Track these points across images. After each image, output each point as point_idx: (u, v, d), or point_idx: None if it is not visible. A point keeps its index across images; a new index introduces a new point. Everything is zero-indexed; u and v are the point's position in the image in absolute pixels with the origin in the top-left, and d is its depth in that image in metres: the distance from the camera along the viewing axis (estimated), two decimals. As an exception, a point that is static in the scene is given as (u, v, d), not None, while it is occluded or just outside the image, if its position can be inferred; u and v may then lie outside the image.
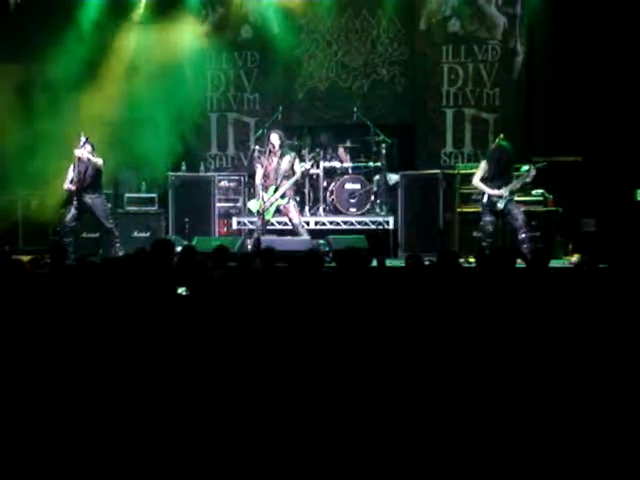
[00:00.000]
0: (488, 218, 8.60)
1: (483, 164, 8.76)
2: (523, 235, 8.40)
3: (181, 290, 4.73)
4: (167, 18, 11.04)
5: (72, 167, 9.14)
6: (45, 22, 10.44)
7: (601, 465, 2.99)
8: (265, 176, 9.02)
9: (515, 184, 8.55)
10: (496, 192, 8.50)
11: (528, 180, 8.67)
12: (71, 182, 9.11)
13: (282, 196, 8.96)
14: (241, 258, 5.92)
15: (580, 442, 3.06)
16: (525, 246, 8.27)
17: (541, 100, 10.74)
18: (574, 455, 3.02)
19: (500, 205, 8.48)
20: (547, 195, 9.57)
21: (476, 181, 8.73)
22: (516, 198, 8.72)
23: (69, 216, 9.16)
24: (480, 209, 8.81)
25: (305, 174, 9.85)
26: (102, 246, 9.57)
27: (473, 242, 9.12)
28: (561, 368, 3.43)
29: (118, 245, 9.18)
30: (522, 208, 8.70)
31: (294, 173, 9.03)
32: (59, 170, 9.33)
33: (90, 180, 9.09)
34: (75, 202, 9.09)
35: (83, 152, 8.97)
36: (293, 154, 9.12)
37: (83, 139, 9.01)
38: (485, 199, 8.62)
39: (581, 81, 10.08)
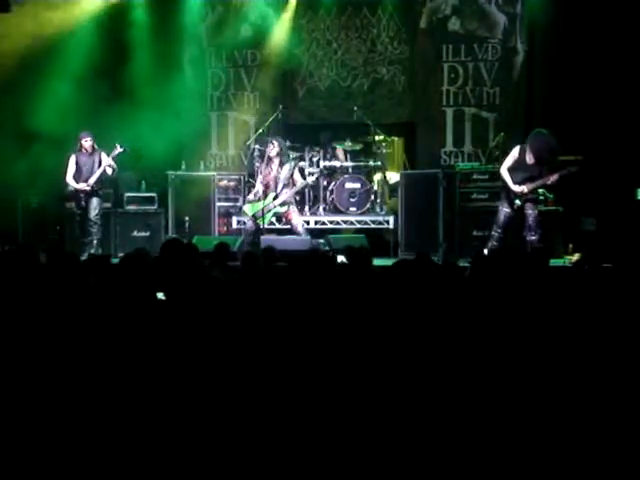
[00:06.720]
0: (505, 209, 8.41)
1: (515, 152, 8.38)
2: (531, 237, 8.27)
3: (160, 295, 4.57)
4: (167, 17, 11.07)
5: (73, 165, 9.28)
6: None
7: (601, 464, 2.99)
8: (265, 185, 9.11)
9: (538, 184, 8.27)
10: (517, 189, 8.25)
11: (549, 182, 8.29)
12: (77, 181, 9.26)
13: (282, 204, 9.04)
14: (245, 257, 5.90)
15: (579, 443, 3.05)
16: (531, 248, 8.18)
17: (541, 99, 10.73)
18: (573, 456, 3.02)
19: (518, 202, 8.29)
20: (547, 194, 9.55)
21: (503, 170, 8.38)
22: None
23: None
24: (499, 198, 8.62)
25: (307, 187, 9.89)
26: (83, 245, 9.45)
27: (474, 241, 9.10)
28: (560, 368, 3.43)
29: (95, 243, 9.25)
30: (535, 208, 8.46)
31: (294, 181, 9.09)
32: (60, 169, 9.37)
33: (96, 179, 9.30)
34: (82, 201, 9.31)
35: (102, 154, 9.30)
36: (293, 163, 9.22)
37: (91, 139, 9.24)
38: (505, 191, 8.41)
39: (581, 80, 10.07)
